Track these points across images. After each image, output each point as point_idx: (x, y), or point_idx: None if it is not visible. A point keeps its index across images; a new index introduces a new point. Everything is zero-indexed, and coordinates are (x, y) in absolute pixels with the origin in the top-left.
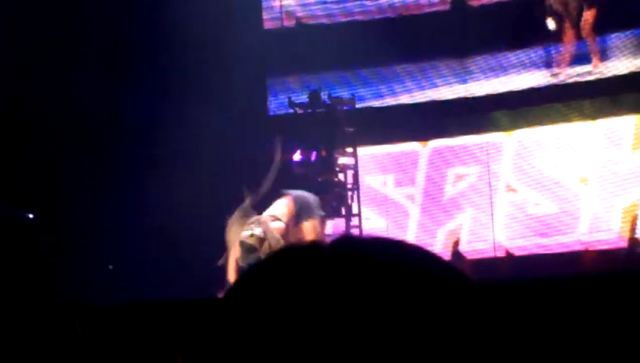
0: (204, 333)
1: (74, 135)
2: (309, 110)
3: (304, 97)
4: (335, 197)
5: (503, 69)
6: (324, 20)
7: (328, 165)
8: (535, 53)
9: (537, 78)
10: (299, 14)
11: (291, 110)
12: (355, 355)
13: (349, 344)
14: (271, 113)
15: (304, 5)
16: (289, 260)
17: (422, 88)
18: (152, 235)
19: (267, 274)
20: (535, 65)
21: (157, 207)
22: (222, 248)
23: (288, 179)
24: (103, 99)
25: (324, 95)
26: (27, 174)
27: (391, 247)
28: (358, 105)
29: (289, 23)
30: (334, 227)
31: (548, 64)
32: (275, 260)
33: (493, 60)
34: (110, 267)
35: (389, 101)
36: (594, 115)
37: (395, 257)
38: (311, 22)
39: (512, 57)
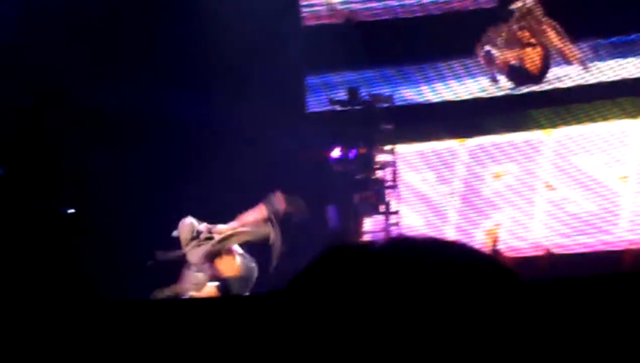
0: (259, 331)
1: (112, 130)
2: (348, 108)
3: (343, 94)
4: (374, 194)
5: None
6: (365, 17)
7: (367, 163)
8: (581, 47)
9: (576, 74)
10: (340, 10)
11: (330, 108)
12: (414, 355)
13: (406, 345)
14: (310, 110)
15: (344, 1)
16: (344, 260)
17: (462, 85)
18: None
19: (323, 274)
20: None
21: (197, 204)
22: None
23: (327, 177)
24: (141, 96)
25: (363, 93)
26: (64, 170)
27: (444, 247)
28: (397, 103)
29: (329, 19)
30: (372, 224)
31: (592, 59)
32: (329, 259)
33: None
34: (149, 262)
35: (428, 98)
36: (634, 113)
37: (449, 257)
38: (351, 18)
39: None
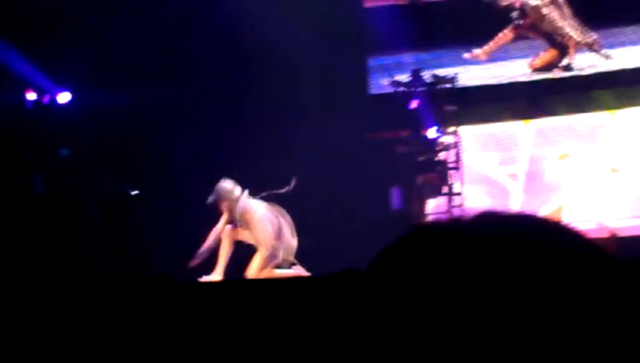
0: (341, 310)
1: (183, 114)
2: (411, 89)
3: (405, 76)
4: (437, 176)
5: (610, 46)
6: None
7: (430, 144)
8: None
9: None
10: None
11: (392, 89)
12: (513, 342)
13: (502, 325)
14: (372, 92)
15: None
16: (432, 239)
17: (525, 66)
18: None
19: (410, 252)
20: None
21: (263, 185)
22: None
23: (390, 158)
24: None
25: (425, 74)
26: (137, 152)
27: (534, 224)
28: (460, 84)
29: (390, 1)
30: (436, 206)
31: None
32: (416, 237)
33: (602, 38)
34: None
35: (491, 80)
36: None
37: (539, 234)
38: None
39: (629, 32)
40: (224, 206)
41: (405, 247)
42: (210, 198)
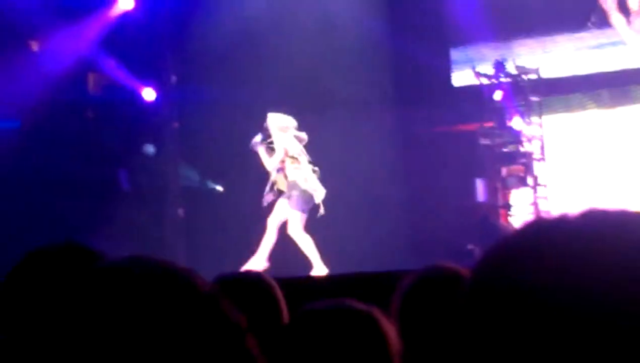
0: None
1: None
2: (494, 80)
3: (488, 67)
4: (522, 167)
5: None
6: None
7: (514, 135)
8: None
9: None
10: None
11: (476, 81)
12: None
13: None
14: (455, 84)
15: None
16: (540, 234)
17: (610, 55)
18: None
19: (520, 250)
20: None
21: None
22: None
23: (474, 150)
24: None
25: (509, 65)
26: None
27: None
28: (544, 75)
29: None
30: (521, 197)
31: None
32: (526, 233)
33: None
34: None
35: (576, 70)
36: None
37: None
38: None
39: None
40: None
41: (517, 244)
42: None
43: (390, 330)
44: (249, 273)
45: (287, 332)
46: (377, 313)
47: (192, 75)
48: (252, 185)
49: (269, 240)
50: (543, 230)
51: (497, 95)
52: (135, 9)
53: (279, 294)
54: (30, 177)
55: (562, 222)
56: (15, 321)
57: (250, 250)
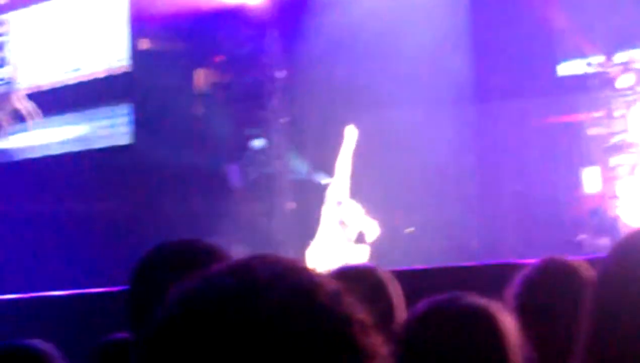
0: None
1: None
2: (602, 70)
3: (597, 57)
4: (631, 157)
5: None
6: None
7: (621, 126)
8: None
9: None
10: None
11: (583, 71)
12: None
13: None
14: (560, 73)
15: None
16: None
17: None
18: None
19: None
20: None
21: None
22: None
23: (579, 140)
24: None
25: (618, 54)
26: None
27: None
28: None
29: None
30: (630, 188)
31: None
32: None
33: None
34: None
35: None
36: None
37: None
38: None
39: None
40: None
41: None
42: None
43: (510, 326)
44: (364, 266)
45: (406, 329)
46: (497, 308)
47: (302, 68)
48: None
49: None
50: None
51: (623, 81)
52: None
53: (394, 288)
54: (144, 173)
55: None
56: (140, 318)
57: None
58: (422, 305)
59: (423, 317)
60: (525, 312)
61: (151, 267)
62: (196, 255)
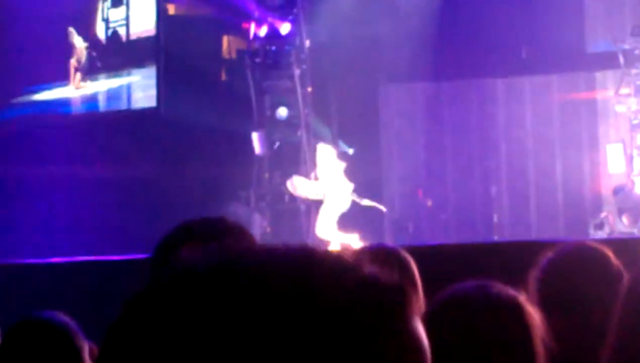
0: None
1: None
2: (630, 48)
3: (626, 35)
4: None
5: None
6: None
7: None
8: None
9: None
10: None
11: (612, 47)
12: None
13: None
14: (590, 50)
15: None
16: None
17: None
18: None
19: None
20: None
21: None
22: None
23: (605, 117)
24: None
25: None
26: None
27: None
28: None
29: None
30: None
31: None
32: None
33: None
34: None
35: None
36: None
37: None
38: None
39: None
40: None
41: None
42: None
43: (537, 317)
44: (389, 247)
45: (431, 314)
46: (523, 300)
47: (324, 39)
48: (383, 148)
49: None
50: None
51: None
52: None
53: (415, 269)
54: (168, 137)
55: None
56: None
57: (381, 211)
58: (448, 291)
59: (449, 304)
60: (550, 300)
61: (175, 245)
62: (221, 234)
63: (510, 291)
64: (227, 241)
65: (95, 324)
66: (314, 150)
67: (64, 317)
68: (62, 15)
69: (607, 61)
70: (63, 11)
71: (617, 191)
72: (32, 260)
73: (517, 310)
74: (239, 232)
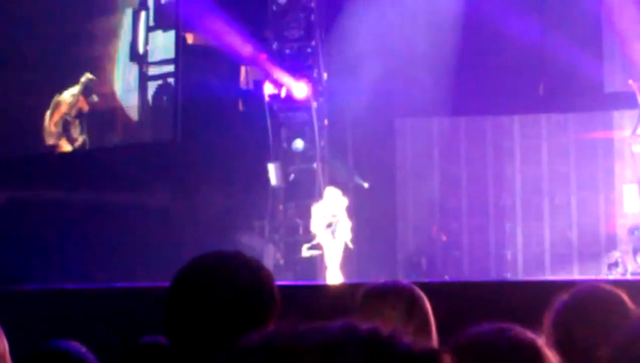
0: None
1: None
2: None
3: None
4: None
5: None
6: None
7: None
8: None
9: None
10: None
11: (630, 87)
12: None
13: None
14: (607, 90)
15: None
16: None
17: None
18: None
19: None
20: None
21: None
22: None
23: (621, 157)
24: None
25: None
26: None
27: None
28: None
29: None
30: None
31: None
32: None
33: None
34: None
35: None
36: None
37: None
38: None
39: None
40: None
41: None
42: None
43: (555, 361)
44: (401, 283)
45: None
46: (541, 343)
47: (341, 72)
48: (399, 181)
49: None
50: None
51: None
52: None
53: (429, 307)
54: (186, 167)
55: None
56: (180, 326)
57: (395, 247)
58: (467, 333)
59: (468, 347)
60: (565, 343)
61: (191, 280)
62: (235, 270)
63: (529, 334)
64: (243, 278)
65: (109, 351)
66: (329, 183)
67: (80, 348)
68: None
69: (625, 101)
70: None
71: (632, 231)
72: (39, 286)
73: (537, 355)
74: (254, 269)
